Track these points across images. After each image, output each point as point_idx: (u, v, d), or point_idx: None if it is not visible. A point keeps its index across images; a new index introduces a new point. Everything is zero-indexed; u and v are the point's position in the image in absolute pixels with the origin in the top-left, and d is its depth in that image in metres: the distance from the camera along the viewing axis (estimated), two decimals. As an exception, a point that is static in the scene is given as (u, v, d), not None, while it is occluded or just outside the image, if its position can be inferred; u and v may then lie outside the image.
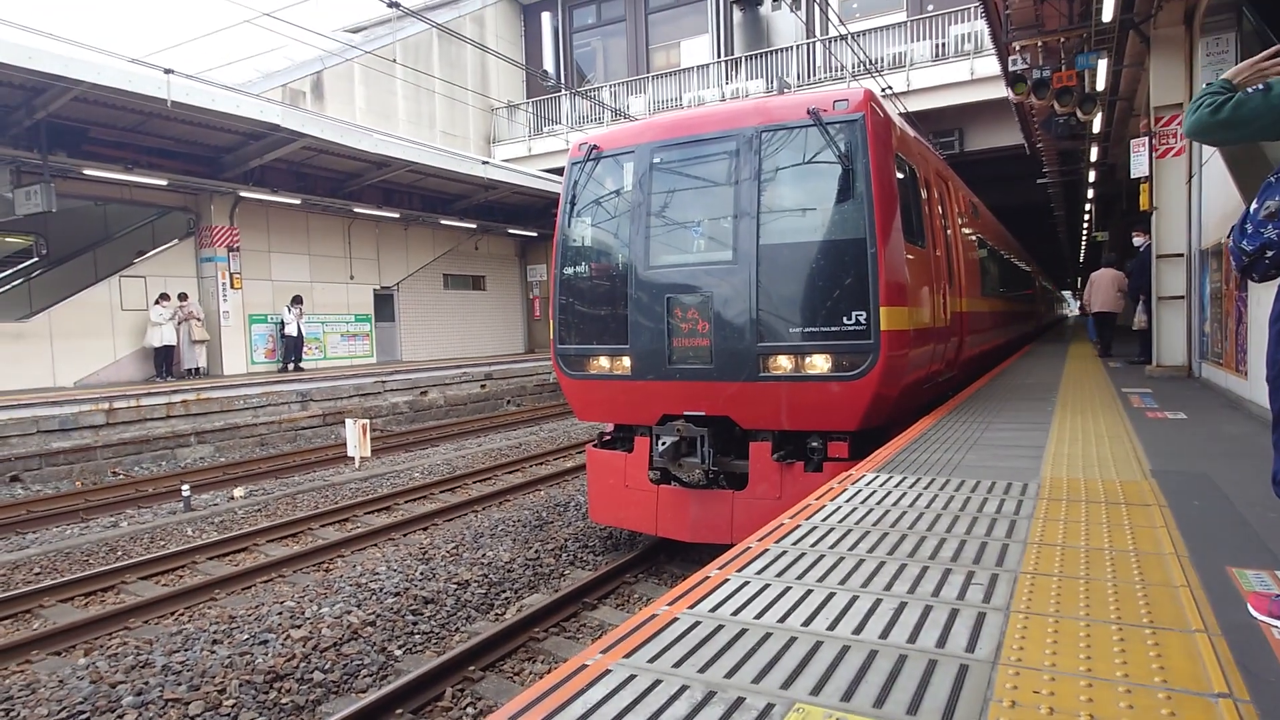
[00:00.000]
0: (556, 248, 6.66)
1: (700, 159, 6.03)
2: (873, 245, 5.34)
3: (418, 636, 5.41)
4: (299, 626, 5.38)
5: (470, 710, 4.42)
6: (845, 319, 5.38)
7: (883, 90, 14.88)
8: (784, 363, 5.61)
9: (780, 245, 5.64)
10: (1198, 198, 8.85)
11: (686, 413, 6.07)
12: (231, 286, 16.14)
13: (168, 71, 11.55)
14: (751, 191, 5.73)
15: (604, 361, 6.35)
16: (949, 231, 7.84)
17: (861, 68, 16.58)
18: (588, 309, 6.48)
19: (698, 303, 5.84)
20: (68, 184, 13.44)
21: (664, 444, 6.00)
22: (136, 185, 14.41)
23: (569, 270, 6.58)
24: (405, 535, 7.91)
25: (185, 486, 9.32)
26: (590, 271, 6.50)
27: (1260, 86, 2.02)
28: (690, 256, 5.99)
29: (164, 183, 14.40)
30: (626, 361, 6.20)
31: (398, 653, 5.17)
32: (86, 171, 13.21)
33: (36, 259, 17.62)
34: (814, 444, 5.85)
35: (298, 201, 16.65)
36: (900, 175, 5.93)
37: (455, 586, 6.21)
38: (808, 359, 5.54)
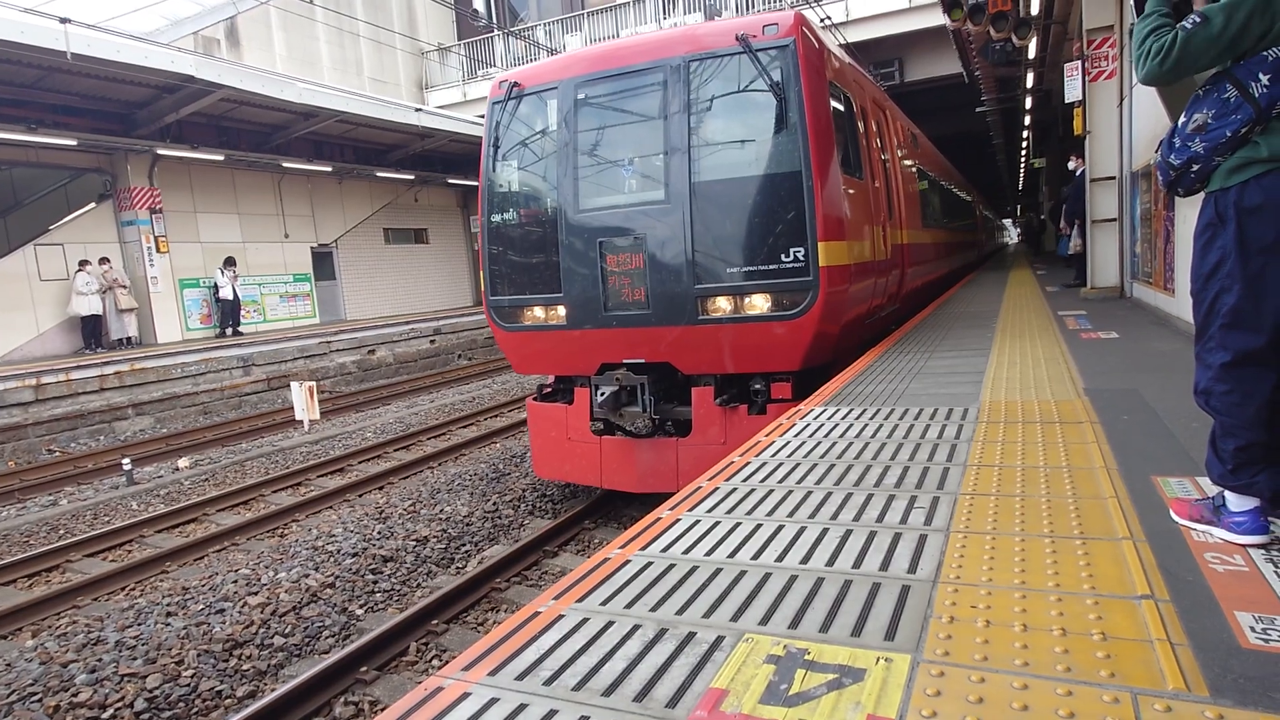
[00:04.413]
0: (482, 194, 6.39)
1: (628, 93, 5.78)
2: (808, 178, 5.23)
3: (379, 595, 5.40)
4: (256, 593, 5.31)
5: (435, 663, 4.46)
6: (783, 256, 5.29)
7: (821, 21, 14.67)
8: (723, 304, 5.51)
9: (714, 182, 5.48)
10: (1129, 120, 9.02)
11: (626, 361, 5.96)
12: (157, 250, 15.38)
13: (64, 21, 10.71)
14: (682, 126, 5.52)
15: (538, 312, 6.16)
16: (888, 162, 7.82)
17: (800, -2, 16.28)
18: (518, 257, 6.25)
19: (631, 245, 5.67)
20: (-35, 148, 12.54)
21: (603, 394, 5.92)
22: (43, 147, 13.50)
23: (497, 218, 6.33)
24: (361, 495, 7.83)
25: (126, 460, 9.02)
26: (519, 218, 6.25)
27: (1197, 19, 2.00)
28: (622, 197, 5.79)
29: (73, 142, 13.52)
30: (561, 311, 6.02)
31: (359, 612, 5.16)
32: (-15, 133, 12.32)
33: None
34: (757, 386, 5.83)
35: (221, 158, 15.83)
36: (836, 104, 5.81)
37: (414, 543, 6.19)
38: (747, 299, 5.44)
